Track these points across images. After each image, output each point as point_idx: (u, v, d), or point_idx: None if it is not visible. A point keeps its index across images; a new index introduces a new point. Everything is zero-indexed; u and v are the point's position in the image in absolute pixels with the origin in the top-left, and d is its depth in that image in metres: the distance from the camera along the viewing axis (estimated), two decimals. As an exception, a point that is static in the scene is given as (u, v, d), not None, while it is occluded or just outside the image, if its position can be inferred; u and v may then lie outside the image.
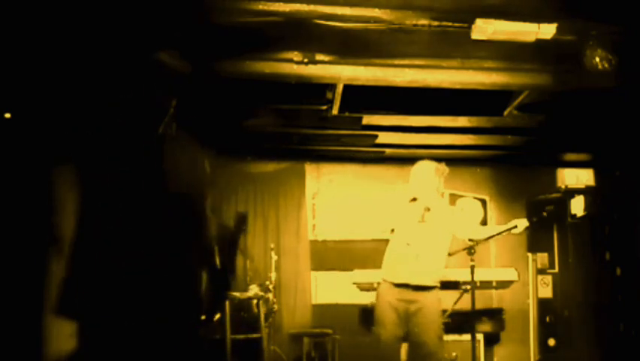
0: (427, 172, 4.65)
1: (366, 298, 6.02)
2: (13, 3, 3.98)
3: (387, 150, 7.04)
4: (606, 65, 4.18)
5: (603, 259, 7.50)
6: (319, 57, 4.64)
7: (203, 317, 3.40)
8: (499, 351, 7.09)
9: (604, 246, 7.52)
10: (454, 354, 6.19)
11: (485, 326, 6.49)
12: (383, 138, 6.60)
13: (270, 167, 7.45)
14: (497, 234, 4.54)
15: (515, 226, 4.50)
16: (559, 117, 5.97)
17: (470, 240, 4.76)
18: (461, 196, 7.87)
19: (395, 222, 4.57)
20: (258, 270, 6.91)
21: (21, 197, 5.82)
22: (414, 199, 4.54)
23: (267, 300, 6.09)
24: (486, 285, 6.33)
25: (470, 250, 4.50)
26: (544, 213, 7.51)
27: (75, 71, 4.65)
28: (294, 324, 7.00)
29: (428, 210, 4.51)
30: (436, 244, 4.57)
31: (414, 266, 4.46)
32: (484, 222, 7.85)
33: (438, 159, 7.44)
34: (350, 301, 6.44)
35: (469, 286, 5.85)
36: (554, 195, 7.76)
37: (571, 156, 7.38)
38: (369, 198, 6.99)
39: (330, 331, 6.54)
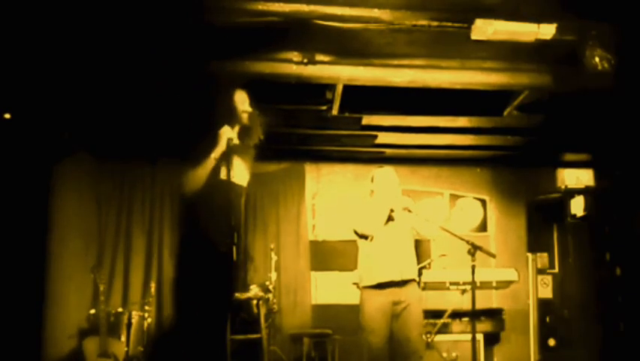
0: (391, 177, 4.72)
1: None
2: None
3: (387, 150, 7.04)
4: (606, 65, 4.18)
5: (603, 259, 7.50)
6: (319, 57, 4.64)
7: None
8: (499, 351, 7.08)
9: (604, 246, 7.52)
10: (454, 354, 6.19)
11: (485, 326, 6.49)
12: (383, 138, 6.60)
13: (270, 167, 7.44)
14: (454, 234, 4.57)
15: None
16: (559, 117, 5.97)
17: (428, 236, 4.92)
18: (461, 196, 7.87)
19: (366, 228, 4.61)
20: (258, 270, 6.90)
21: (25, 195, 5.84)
22: (393, 211, 4.58)
23: (267, 300, 6.09)
24: (486, 285, 6.33)
25: (470, 251, 4.50)
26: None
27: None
28: (294, 324, 6.98)
29: (392, 210, 4.56)
30: (404, 240, 4.65)
31: (392, 264, 4.50)
32: (484, 222, 7.86)
33: (438, 159, 7.50)
34: (350, 302, 6.41)
35: (468, 287, 5.88)
36: (554, 195, 7.76)
37: (571, 156, 7.39)
38: (368, 196, 6.96)
39: (330, 331, 6.52)
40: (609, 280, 7.35)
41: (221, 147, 3.34)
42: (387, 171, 4.76)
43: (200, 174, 3.31)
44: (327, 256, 7.37)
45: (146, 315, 6.04)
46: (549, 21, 4.02)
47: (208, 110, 3.51)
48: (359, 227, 4.63)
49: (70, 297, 6.38)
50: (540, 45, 4.19)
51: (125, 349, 5.86)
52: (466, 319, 6.31)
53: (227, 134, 3.37)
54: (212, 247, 3.33)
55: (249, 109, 3.54)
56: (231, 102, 3.51)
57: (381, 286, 4.48)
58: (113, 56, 4.53)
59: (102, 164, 6.90)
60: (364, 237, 4.62)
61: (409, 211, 4.55)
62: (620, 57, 4.20)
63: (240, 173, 3.52)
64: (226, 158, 3.36)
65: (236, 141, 3.40)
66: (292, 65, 4.64)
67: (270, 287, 6.19)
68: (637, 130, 5.94)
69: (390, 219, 4.56)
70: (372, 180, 4.78)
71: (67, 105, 5.46)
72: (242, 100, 3.55)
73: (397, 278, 4.48)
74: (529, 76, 4.92)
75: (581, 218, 7.69)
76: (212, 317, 3.30)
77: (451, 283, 6.25)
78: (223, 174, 3.37)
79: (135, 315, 6.00)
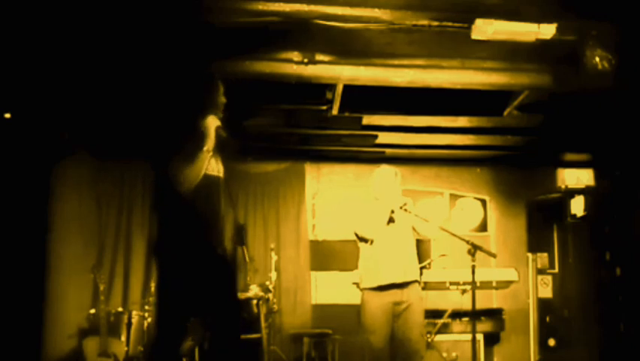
0: (389, 176, 4.70)
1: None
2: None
3: (387, 150, 7.04)
4: (606, 65, 4.18)
5: (603, 259, 7.50)
6: (319, 57, 4.64)
7: None
8: (499, 351, 7.08)
9: (604, 246, 7.52)
10: (454, 354, 6.19)
11: (485, 326, 6.49)
12: (383, 138, 6.59)
13: (270, 167, 7.43)
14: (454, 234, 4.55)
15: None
16: (559, 117, 5.97)
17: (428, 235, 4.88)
18: (461, 196, 7.87)
19: (367, 231, 4.59)
20: (258, 270, 6.90)
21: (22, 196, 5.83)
22: (393, 212, 4.56)
23: (267, 300, 6.08)
24: (486, 285, 6.33)
25: (470, 251, 4.49)
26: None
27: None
28: (294, 324, 6.98)
29: (393, 211, 4.55)
30: (406, 241, 4.64)
31: (394, 266, 4.50)
32: (484, 222, 7.86)
33: (438, 159, 7.50)
34: (350, 301, 6.42)
35: (468, 287, 5.88)
36: (554, 195, 7.76)
37: (571, 156, 7.38)
38: (369, 198, 6.94)
39: (330, 331, 6.53)
40: (609, 280, 7.35)
41: (211, 139, 3.25)
42: (385, 170, 4.74)
43: (197, 169, 3.22)
44: (327, 256, 7.37)
45: (146, 315, 6.04)
46: (549, 21, 4.02)
47: (190, 103, 3.45)
48: (359, 230, 4.62)
49: (70, 297, 6.38)
50: (540, 45, 4.19)
51: (125, 349, 5.86)
52: (466, 319, 6.31)
53: (215, 123, 3.28)
54: (209, 245, 3.31)
55: (225, 100, 3.49)
56: (216, 94, 3.46)
57: (382, 288, 4.48)
58: (112, 56, 4.53)
59: (102, 164, 6.89)
60: (364, 240, 4.61)
61: (407, 211, 4.54)
62: (620, 57, 4.20)
63: (217, 165, 3.43)
64: (216, 151, 3.29)
65: (223, 132, 3.29)
66: (292, 65, 4.63)
67: (270, 287, 6.18)
68: (637, 130, 5.94)
69: (391, 220, 4.56)
70: (372, 179, 4.77)
71: (67, 105, 5.46)
72: (222, 91, 3.50)
73: (398, 280, 4.48)
74: (529, 76, 4.92)
75: (581, 218, 7.70)
76: (218, 316, 3.29)
77: (451, 283, 6.25)
78: (210, 169, 3.32)
79: (135, 315, 6.00)
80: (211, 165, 3.33)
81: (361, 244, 4.66)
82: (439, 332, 6.19)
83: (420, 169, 7.59)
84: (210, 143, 3.25)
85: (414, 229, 4.66)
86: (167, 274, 3.28)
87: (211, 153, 3.27)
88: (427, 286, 6.10)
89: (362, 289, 4.61)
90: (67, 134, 6.10)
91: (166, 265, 3.28)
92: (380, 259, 4.53)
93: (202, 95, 3.43)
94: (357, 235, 4.64)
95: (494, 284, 6.48)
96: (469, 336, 5.34)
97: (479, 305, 4.78)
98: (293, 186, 7.49)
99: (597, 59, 4.18)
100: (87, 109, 5.59)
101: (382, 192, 4.64)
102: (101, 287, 6.04)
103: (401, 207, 4.52)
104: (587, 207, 7.58)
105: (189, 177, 3.21)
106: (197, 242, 3.26)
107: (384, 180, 4.69)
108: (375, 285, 4.50)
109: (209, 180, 3.29)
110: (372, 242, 4.57)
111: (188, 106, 3.43)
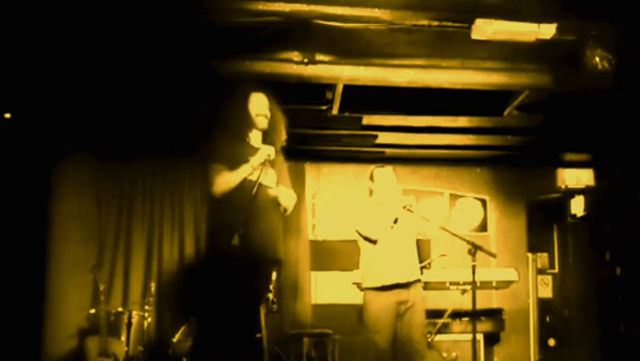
0: (392, 177, 4.71)
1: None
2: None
3: (387, 150, 7.04)
4: (606, 65, 4.18)
5: (603, 259, 7.51)
6: (319, 57, 4.64)
7: None
8: (499, 351, 7.08)
9: (604, 246, 7.53)
10: (454, 354, 6.19)
11: (485, 326, 6.49)
12: (383, 138, 6.60)
13: (270, 167, 7.45)
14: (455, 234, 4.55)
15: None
16: (559, 117, 5.98)
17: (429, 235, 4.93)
18: (461, 196, 7.87)
19: (372, 232, 4.58)
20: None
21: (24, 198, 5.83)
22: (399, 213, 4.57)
23: (267, 300, 6.08)
24: (486, 285, 6.32)
25: (471, 251, 4.49)
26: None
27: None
28: (294, 324, 6.98)
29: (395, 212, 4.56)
30: (408, 240, 4.65)
31: (398, 265, 4.50)
32: (484, 222, 7.86)
33: (438, 159, 7.50)
34: (350, 301, 6.43)
35: (468, 287, 5.88)
36: (554, 195, 7.76)
37: (571, 156, 7.39)
38: (369, 198, 6.93)
39: (330, 331, 6.52)
40: (609, 280, 7.36)
41: (259, 159, 3.43)
42: (388, 171, 4.75)
43: (234, 178, 3.39)
44: (327, 256, 7.37)
45: (146, 315, 6.04)
46: (549, 21, 4.03)
47: (224, 112, 3.54)
48: (364, 230, 4.60)
49: (71, 297, 6.38)
50: (540, 45, 4.19)
51: (125, 349, 5.86)
52: (466, 319, 6.31)
53: (267, 151, 3.46)
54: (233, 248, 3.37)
55: (266, 112, 3.55)
56: (245, 106, 3.52)
57: (386, 288, 4.47)
58: (113, 56, 4.53)
59: (102, 164, 6.89)
60: (369, 240, 4.59)
61: (410, 211, 4.53)
62: (620, 57, 4.20)
63: (272, 180, 3.60)
64: (261, 168, 3.45)
65: (272, 157, 3.47)
66: (292, 65, 4.64)
67: (270, 287, 6.18)
68: (637, 130, 5.94)
69: (395, 221, 4.55)
70: (371, 179, 4.76)
71: (67, 105, 5.46)
72: (258, 103, 3.56)
73: (403, 280, 4.48)
74: (529, 76, 4.92)
75: (581, 218, 7.70)
76: (241, 317, 3.37)
77: (451, 283, 6.25)
78: (252, 177, 3.44)
79: (135, 315, 6.00)
80: (265, 180, 3.47)
81: (363, 244, 4.65)
82: (439, 331, 6.19)
83: (420, 169, 7.59)
84: (256, 162, 3.42)
85: (415, 228, 4.66)
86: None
87: (252, 170, 3.43)
88: (427, 286, 6.08)
89: (364, 289, 4.60)
90: (67, 134, 6.10)
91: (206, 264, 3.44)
92: (383, 259, 4.52)
93: (232, 106, 3.52)
94: (360, 234, 4.63)
95: (494, 284, 6.47)
96: (469, 336, 5.34)
97: (479, 305, 4.78)
98: (293, 186, 7.47)
99: (597, 59, 4.18)
100: (87, 109, 5.59)
101: (385, 193, 4.63)
102: (101, 287, 6.04)
103: (404, 207, 4.51)
104: (587, 207, 7.58)
105: (225, 183, 3.38)
106: (221, 245, 3.33)
107: (387, 181, 4.69)
108: (379, 285, 4.49)
109: (250, 188, 3.39)
110: (376, 242, 4.56)
111: (220, 115, 3.53)
